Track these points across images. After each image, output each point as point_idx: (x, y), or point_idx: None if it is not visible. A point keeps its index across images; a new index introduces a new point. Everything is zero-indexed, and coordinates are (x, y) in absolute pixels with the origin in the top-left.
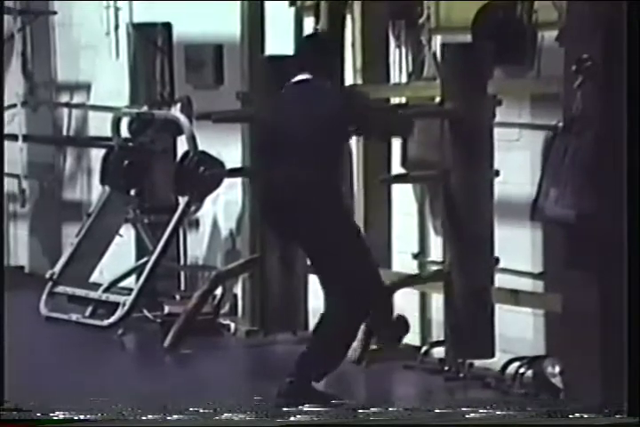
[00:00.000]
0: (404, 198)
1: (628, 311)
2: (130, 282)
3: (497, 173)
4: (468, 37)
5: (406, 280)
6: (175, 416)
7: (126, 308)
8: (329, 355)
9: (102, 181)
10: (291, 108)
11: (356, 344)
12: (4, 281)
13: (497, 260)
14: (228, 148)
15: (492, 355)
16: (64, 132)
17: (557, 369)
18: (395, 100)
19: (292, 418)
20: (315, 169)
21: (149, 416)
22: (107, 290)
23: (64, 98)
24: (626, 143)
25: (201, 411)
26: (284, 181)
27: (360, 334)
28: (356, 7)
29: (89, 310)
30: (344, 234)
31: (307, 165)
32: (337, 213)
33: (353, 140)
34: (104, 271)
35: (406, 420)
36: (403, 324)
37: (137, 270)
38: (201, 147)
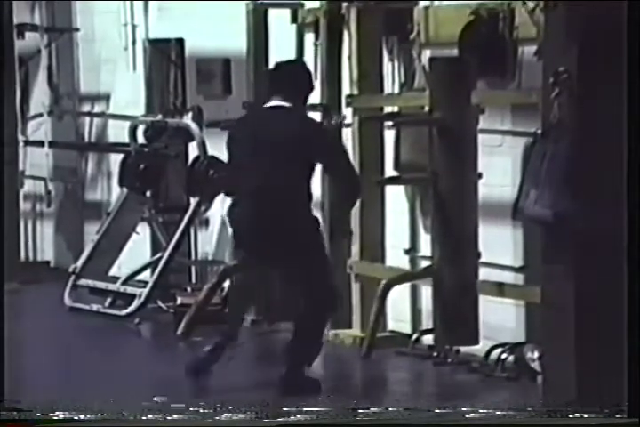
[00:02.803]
0: (396, 199)
1: (627, 311)
2: (145, 275)
3: (480, 176)
4: (454, 52)
5: (402, 277)
6: (175, 416)
7: (142, 299)
8: (313, 344)
9: (120, 184)
10: (262, 134)
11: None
12: (3, 282)
13: (479, 254)
14: None
15: (477, 342)
16: (86, 139)
17: (536, 354)
18: (388, 109)
19: (291, 418)
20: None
21: (149, 416)
22: (124, 283)
23: (86, 107)
24: (626, 144)
25: (201, 411)
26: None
27: (367, 331)
28: (353, 24)
29: (108, 300)
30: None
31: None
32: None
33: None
34: (122, 266)
35: (406, 420)
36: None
37: (152, 265)
38: (210, 152)
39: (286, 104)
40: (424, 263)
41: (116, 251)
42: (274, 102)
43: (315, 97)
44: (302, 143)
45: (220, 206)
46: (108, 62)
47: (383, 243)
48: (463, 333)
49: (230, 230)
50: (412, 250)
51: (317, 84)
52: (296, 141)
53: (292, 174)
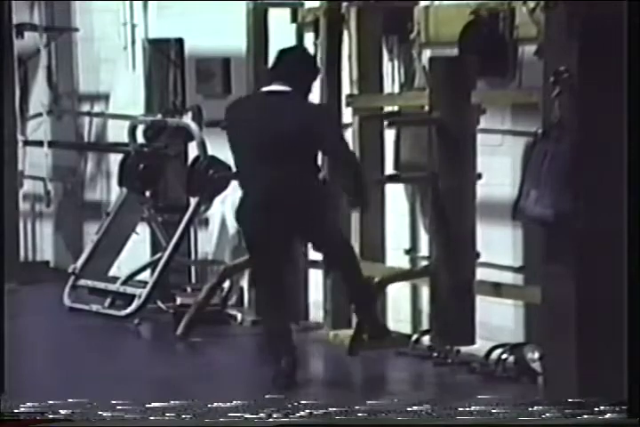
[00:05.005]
0: (397, 199)
1: (627, 311)
2: (145, 276)
3: (480, 176)
4: (454, 51)
5: (396, 276)
6: (175, 416)
7: (142, 299)
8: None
9: (120, 183)
10: (267, 118)
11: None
12: (4, 284)
13: (477, 254)
14: None
15: (473, 342)
16: (85, 139)
17: (536, 355)
18: (388, 109)
19: (291, 418)
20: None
21: (150, 417)
22: (124, 283)
23: (85, 107)
24: (626, 144)
25: (201, 411)
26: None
27: (354, 328)
28: (353, 23)
29: (108, 301)
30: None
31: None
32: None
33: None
34: (122, 266)
35: (406, 420)
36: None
37: (151, 265)
38: (210, 152)
39: (286, 88)
40: (424, 264)
41: (116, 251)
42: (273, 87)
43: (315, 97)
44: (303, 129)
45: (220, 206)
46: (107, 62)
47: (383, 243)
48: (459, 332)
49: (239, 228)
50: (412, 250)
51: (317, 83)
52: (296, 128)
53: (295, 161)
